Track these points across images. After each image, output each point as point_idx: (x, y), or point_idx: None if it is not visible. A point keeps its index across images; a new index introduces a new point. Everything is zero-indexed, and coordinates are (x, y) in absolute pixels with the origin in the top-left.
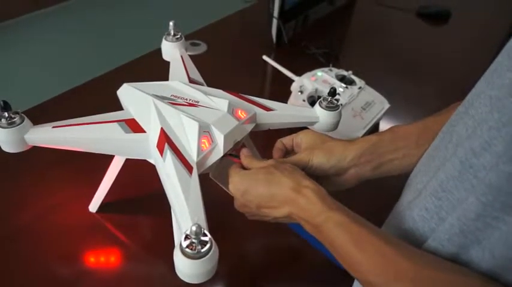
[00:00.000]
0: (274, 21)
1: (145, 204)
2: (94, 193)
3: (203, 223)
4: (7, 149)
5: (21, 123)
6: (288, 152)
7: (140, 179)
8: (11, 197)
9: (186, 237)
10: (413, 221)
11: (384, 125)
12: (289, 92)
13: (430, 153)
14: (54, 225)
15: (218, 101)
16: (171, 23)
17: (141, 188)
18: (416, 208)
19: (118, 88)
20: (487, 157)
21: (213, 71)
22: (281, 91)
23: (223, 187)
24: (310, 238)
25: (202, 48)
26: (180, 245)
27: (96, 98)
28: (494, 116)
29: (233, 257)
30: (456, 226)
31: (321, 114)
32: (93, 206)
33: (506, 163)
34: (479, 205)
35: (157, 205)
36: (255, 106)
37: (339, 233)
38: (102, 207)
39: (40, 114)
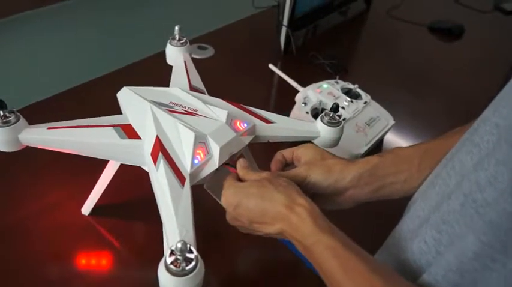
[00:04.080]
0: (283, 29)
1: (138, 208)
2: (89, 194)
3: (191, 238)
4: (0, 147)
5: (16, 122)
6: (288, 164)
7: (135, 182)
8: (4, 195)
9: (172, 253)
10: (411, 252)
11: (387, 142)
12: (293, 103)
13: (431, 180)
14: (46, 225)
15: (217, 111)
16: (176, 28)
17: (135, 192)
18: (416, 238)
19: (119, 90)
20: (491, 192)
21: (218, 76)
22: (285, 101)
23: (217, 199)
24: (302, 256)
25: (210, 52)
26: (165, 261)
27: (95, 99)
28: (502, 148)
29: (225, 270)
30: (453, 263)
31: (322, 130)
32: (86, 209)
33: (507, 200)
34: (478, 244)
35: (151, 210)
36: (254, 118)
37: (328, 258)
38: (96, 209)
39: (36, 114)
